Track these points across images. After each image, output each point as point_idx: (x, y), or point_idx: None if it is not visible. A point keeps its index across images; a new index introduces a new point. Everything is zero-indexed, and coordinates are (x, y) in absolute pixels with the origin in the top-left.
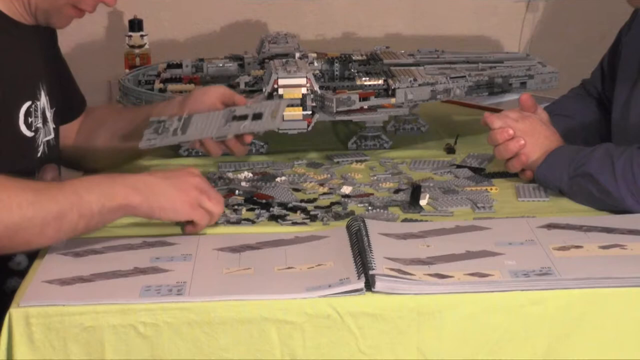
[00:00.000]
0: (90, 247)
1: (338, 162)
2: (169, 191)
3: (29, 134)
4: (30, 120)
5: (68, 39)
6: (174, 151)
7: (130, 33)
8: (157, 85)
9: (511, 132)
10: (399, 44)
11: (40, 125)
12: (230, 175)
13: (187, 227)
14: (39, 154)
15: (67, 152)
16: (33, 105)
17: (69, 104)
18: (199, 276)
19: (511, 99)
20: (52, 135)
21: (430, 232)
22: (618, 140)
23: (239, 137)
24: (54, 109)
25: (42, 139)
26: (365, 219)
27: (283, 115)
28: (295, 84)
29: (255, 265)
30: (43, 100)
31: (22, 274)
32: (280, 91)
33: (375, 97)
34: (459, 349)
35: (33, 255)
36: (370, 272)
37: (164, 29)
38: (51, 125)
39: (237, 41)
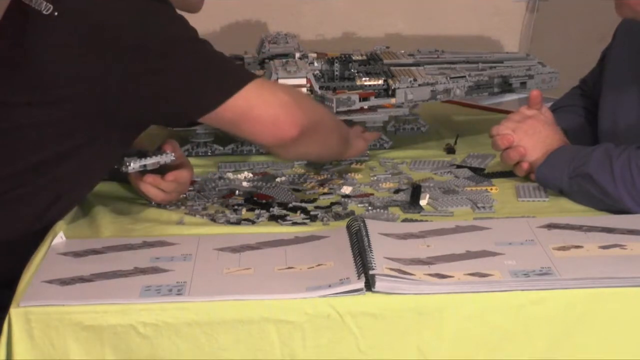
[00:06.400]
0: (90, 247)
1: (338, 162)
2: None
3: None
4: None
5: None
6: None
7: None
8: None
9: (511, 138)
10: (399, 44)
11: None
12: (230, 175)
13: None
14: None
15: None
16: None
17: None
18: (199, 276)
19: (511, 99)
20: None
21: (430, 232)
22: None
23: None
24: None
25: None
26: (365, 219)
27: None
28: (295, 84)
29: (255, 265)
30: None
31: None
32: None
33: (375, 97)
34: (459, 349)
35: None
36: (371, 272)
37: None
38: None
39: (237, 41)
